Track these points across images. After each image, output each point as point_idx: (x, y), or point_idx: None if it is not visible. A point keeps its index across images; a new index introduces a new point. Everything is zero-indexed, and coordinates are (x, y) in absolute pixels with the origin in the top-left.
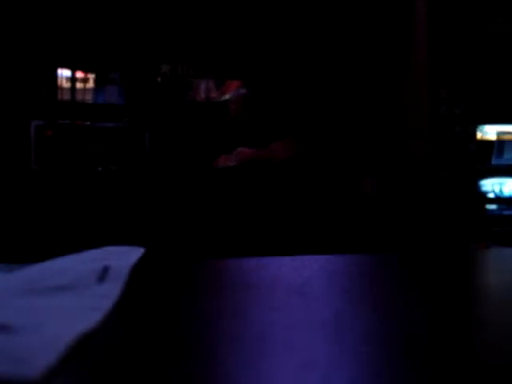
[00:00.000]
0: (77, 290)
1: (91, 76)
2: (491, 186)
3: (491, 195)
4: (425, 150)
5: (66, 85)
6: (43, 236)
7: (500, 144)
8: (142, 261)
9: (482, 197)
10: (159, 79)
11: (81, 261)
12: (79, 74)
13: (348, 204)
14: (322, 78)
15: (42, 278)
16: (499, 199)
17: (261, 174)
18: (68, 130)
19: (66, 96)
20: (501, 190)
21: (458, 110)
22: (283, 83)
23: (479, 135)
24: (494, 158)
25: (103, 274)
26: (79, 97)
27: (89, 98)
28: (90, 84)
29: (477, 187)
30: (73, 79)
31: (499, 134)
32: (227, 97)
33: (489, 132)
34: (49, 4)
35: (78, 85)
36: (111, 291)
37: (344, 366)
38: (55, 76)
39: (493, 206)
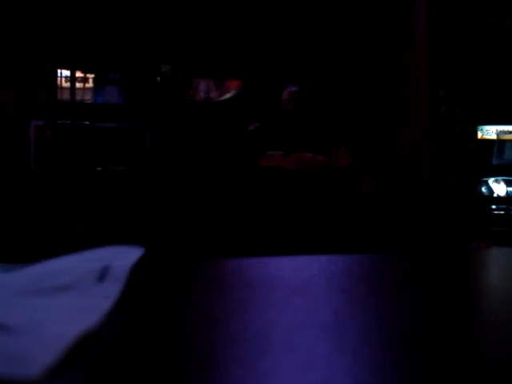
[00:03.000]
0: (77, 289)
1: (91, 76)
2: (491, 185)
3: (491, 195)
4: (425, 150)
5: (66, 85)
6: (43, 236)
7: (500, 144)
8: (141, 261)
9: (483, 197)
10: (159, 79)
11: (81, 261)
12: (79, 74)
13: (348, 204)
14: (323, 78)
15: (42, 278)
16: (499, 199)
17: (317, 179)
18: (68, 130)
19: (66, 96)
20: (501, 190)
21: (457, 110)
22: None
23: (479, 135)
24: (495, 158)
25: (103, 274)
26: (79, 97)
27: (88, 98)
28: (90, 84)
29: (477, 187)
30: (72, 79)
31: (499, 133)
32: (227, 96)
33: (489, 132)
34: (49, 4)
35: (78, 85)
36: (111, 291)
37: (344, 366)
38: (55, 76)
39: (493, 206)
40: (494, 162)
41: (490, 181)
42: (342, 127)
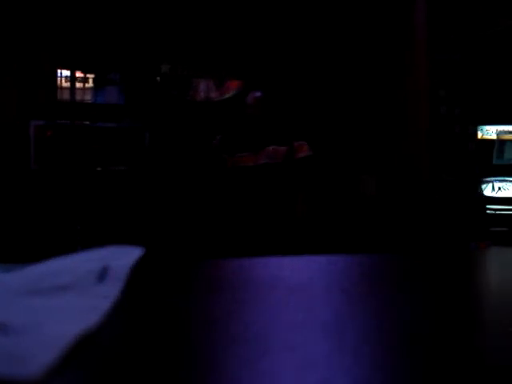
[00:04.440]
0: (77, 290)
1: (91, 76)
2: (491, 185)
3: (491, 195)
4: (425, 149)
5: (66, 85)
6: (43, 236)
7: (500, 144)
8: (141, 261)
9: (483, 197)
10: (159, 79)
11: (81, 261)
12: (79, 74)
13: (348, 204)
14: (323, 78)
15: (42, 278)
16: (499, 199)
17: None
18: (68, 130)
19: (66, 96)
20: (501, 190)
21: (457, 110)
22: (293, 85)
23: (479, 135)
24: (495, 158)
25: (103, 274)
26: (79, 97)
27: (88, 98)
28: (90, 84)
29: (477, 187)
30: (72, 79)
31: (499, 133)
32: (227, 96)
33: (489, 132)
34: (49, 4)
35: (78, 85)
36: (111, 291)
37: (344, 366)
38: (55, 76)
39: (493, 206)
40: (494, 162)
41: (490, 181)
42: (304, 121)
